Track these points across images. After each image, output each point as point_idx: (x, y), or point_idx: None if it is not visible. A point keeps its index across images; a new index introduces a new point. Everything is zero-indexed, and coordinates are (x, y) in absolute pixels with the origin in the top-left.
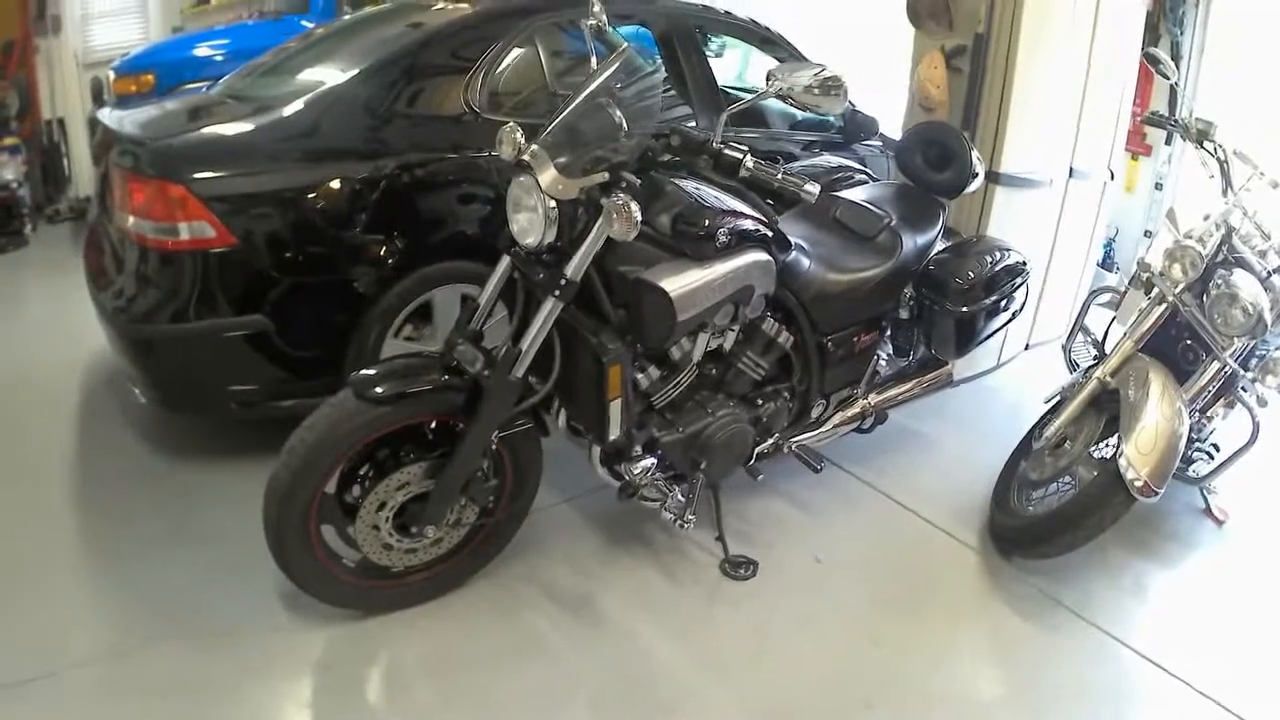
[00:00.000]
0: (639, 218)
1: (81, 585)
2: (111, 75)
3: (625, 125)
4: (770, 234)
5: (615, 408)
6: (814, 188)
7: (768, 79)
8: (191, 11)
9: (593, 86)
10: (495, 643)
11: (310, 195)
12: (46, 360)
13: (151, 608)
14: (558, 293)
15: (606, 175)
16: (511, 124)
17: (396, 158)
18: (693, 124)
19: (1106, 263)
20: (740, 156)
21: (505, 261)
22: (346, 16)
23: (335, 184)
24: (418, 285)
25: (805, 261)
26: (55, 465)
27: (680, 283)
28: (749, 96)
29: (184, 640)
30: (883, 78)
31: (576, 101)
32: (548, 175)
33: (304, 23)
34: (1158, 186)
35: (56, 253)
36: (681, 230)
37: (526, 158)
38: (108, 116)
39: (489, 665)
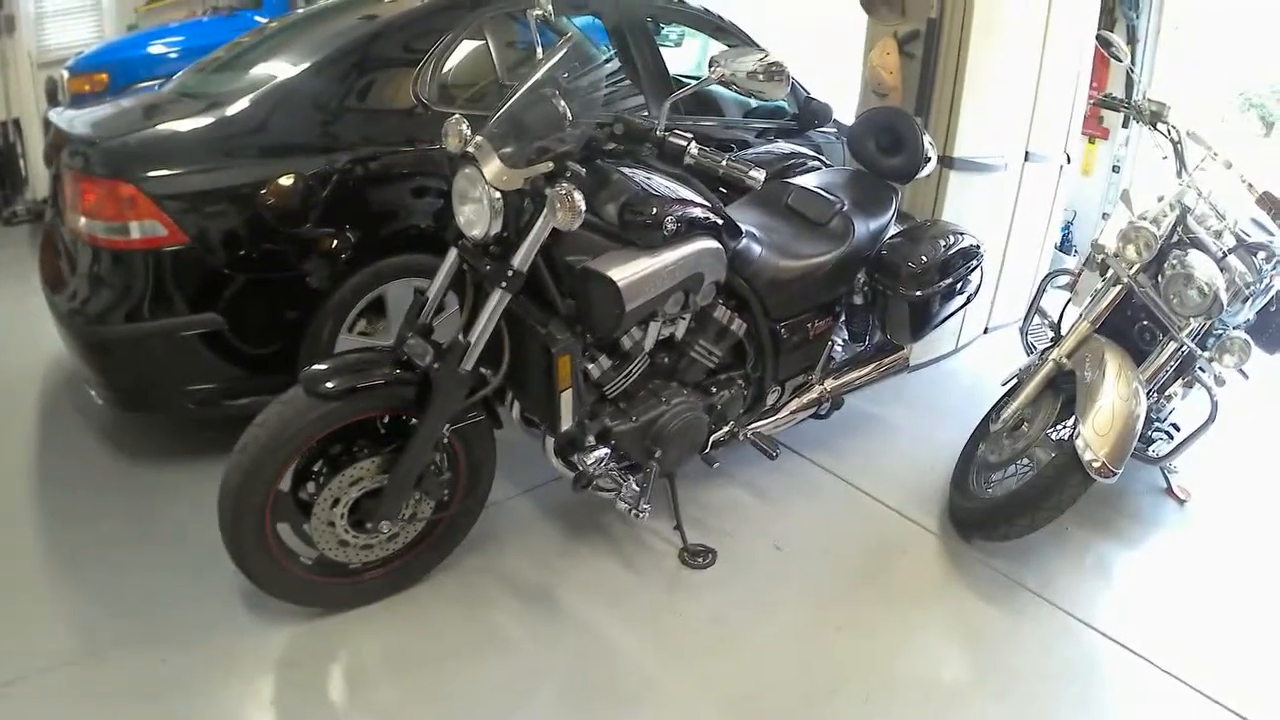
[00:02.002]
0: (582, 207)
1: (45, 588)
2: (66, 74)
3: (570, 115)
4: (720, 221)
5: (566, 398)
6: (759, 173)
7: (711, 65)
8: (146, 9)
9: (537, 77)
10: (456, 637)
11: (262, 191)
12: (4, 364)
13: (116, 610)
14: (505, 284)
15: (551, 165)
16: (457, 115)
17: (349, 152)
18: (645, 113)
19: (1065, 245)
20: (684, 144)
21: (453, 254)
22: (299, 10)
23: (287, 180)
24: (371, 280)
25: (757, 248)
26: (15, 468)
27: (628, 271)
28: (692, 84)
29: (149, 642)
30: (837, 65)
31: (521, 92)
32: (492, 166)
33: (257, 18)
34: (1115, 169)
35: (14, 255)
36: (628, 219)
37: (471, 149)
38: (58, 117)
39: (451, 660)
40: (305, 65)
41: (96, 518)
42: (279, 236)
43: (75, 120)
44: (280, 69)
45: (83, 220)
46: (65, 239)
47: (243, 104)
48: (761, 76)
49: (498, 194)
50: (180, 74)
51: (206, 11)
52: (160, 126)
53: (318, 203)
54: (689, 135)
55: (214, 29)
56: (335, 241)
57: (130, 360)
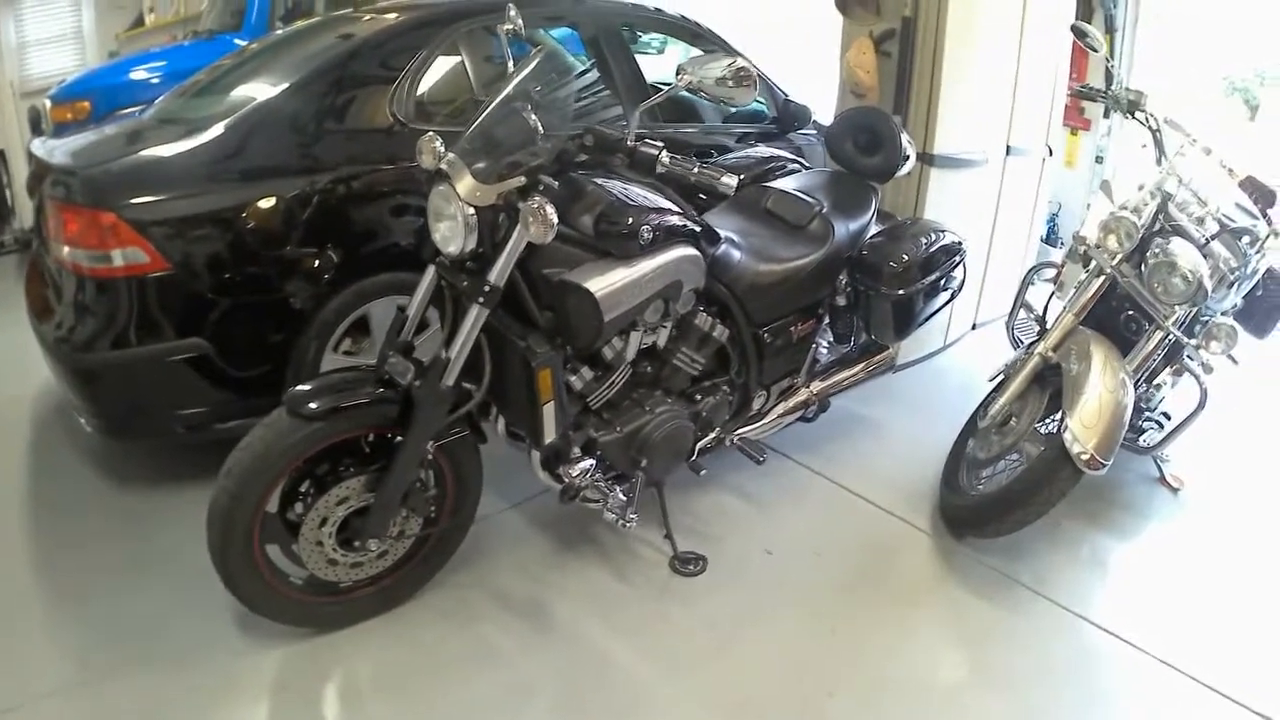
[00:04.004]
0: (555, 220)
1: (40, 616)
2: (48, 104)
3: (540, 128)
4: (697, 228)
5: (548, 411)
6: (731, 179)
7: (678, 73)
8: (126, 36)
9: (506, 91)
10: (448, 653)
11: (243, 215)
12: None
13: (110, 636)
14: (482, 299)
15: (524, 179)
16: (431, 133)
17: (328, 172)
18: (623, 122)
19: (1051, 238)
20: (655, 153)
21: (431, 271)
22: (279, 31)
23: (267, 202)
24: (354, 299)
25: (736, 254)
26: (5, 497)
27: (605, 282)
28: (660, 93)
29: (144, 667)
30: (814, 67)
31: (491, 107)
32: (465, 183)
33: (237, 40)
34: (1098, 160)
35: (0, 285)
36: (604, 230)
37: (444, 166)
38: (39, 147)
39: (444, 676)
40: (283, 87)
41: (87, 544)
42: (261, 259)
43: (56, 150)
44: (259, 91)
45: (66, 249)
46: (50, 268)
47: (222, 128)
48: (730, 82)
49: (471, 210)
50: (161, 99)
51: (187, 36)
52: (140, 153)
53: (299, 224)
54: (660, 144)
55: (195, 53)
56: (317, 262)
57: (118, 387)
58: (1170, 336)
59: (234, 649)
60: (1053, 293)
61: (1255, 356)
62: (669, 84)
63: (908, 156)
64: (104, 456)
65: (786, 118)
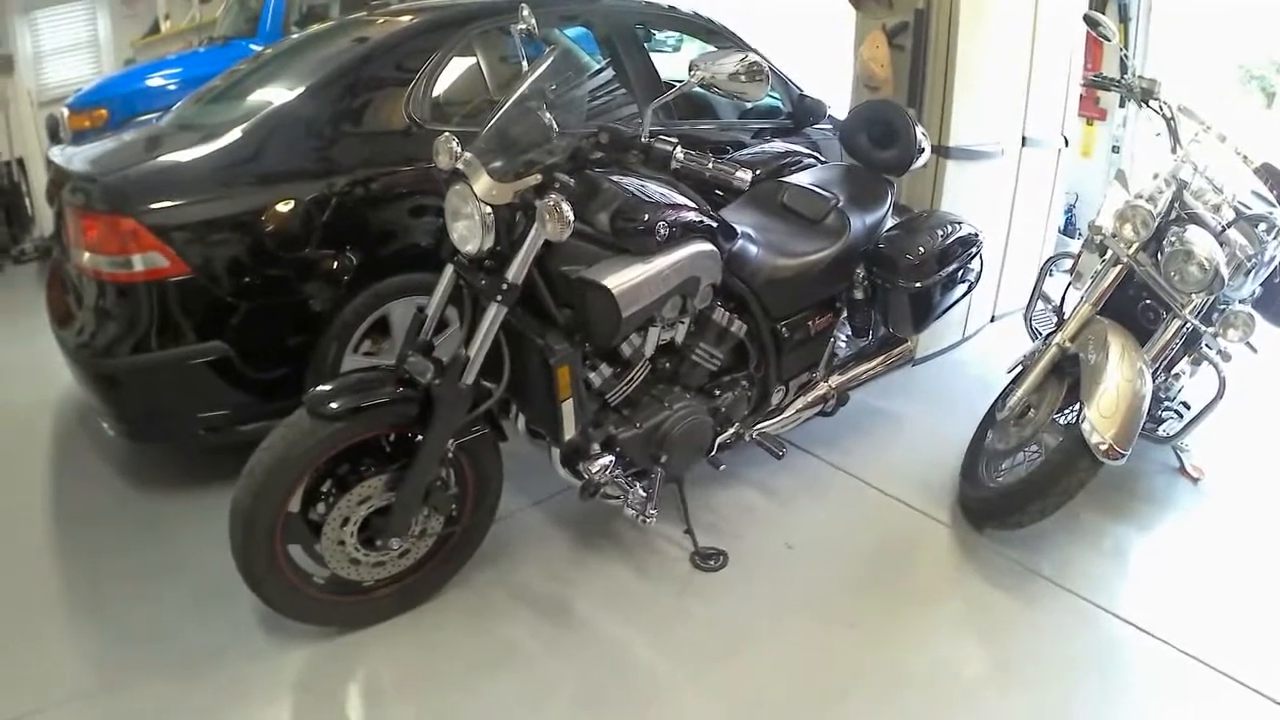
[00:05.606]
0: (571, 217)
1: (63, 620)
2: (66, 112)
3: (555, 127)
4: (714, 223)
5: (568, 408)
6: (745, 174)
7: (690, 69)
8: (142, 43)
9: (521, 90)
10: (471, 652)
11: (262, 218)
12: (17, 399)
13: (133, 639)
14: (500, 297)
15: (540, 178)
16: (447, 134)
17: (346, 174)
18: (639, 120)
19: (1069, 229)
20: (670, 149)
21: (449, 271)
22: (294, 36)
23: (286, 205)
24: (373, 300)
25: (753, 249)
26: (30, 502)
27: (622, 279)
28: (672, 90)
29: (166, 670)
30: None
31: (506, 107)
32: (481, 182)
33: (252, 46)
34: (1115, 150)
35: (23, 293)
36: (620, 226)
37: (460, 166)
38: (57, 155)
39: (466, 676)
40: (299, 90)
41: (108, 547)
42: (281, 262)
43: (75, 157)
44: (275, 95)
45: (86, 255)
46: (71, 275)
47: (239, 132)
48: (743, 77)
49: (488, 209)
50: (178, 105)
51: (202, 42)
52: (158, 159)
53: (317, 226)
54: (674, 140)
55: (210, 59)
56: (336, 264)
57: (139, 391)
58: (1188, 325)
59: (254, 651)
60: (1070, 283)
61: (1274, 344)
62: (683, 81)
63: (923, 149)
64: (126, 460)
65: (802, 113)
